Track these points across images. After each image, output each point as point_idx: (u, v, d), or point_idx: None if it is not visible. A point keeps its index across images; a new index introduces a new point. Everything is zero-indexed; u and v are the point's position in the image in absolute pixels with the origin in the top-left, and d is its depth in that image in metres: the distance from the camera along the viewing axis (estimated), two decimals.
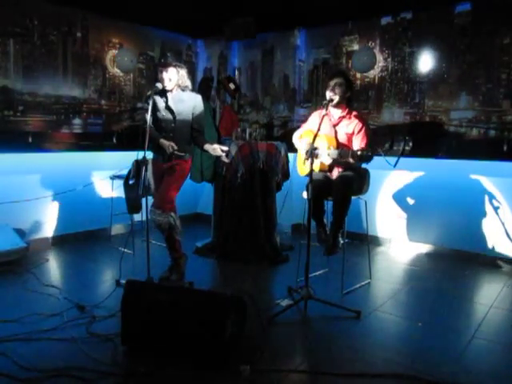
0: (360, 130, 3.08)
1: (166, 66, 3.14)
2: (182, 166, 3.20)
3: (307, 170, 2.81)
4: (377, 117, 4.55)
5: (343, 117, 3.13)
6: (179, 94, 3.18)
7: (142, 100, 4.91)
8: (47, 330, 2.42)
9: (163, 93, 3.17)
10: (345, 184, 3.00)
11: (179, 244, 3.29)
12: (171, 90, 3.16)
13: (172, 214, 3.16)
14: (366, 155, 2.71)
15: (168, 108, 3.18)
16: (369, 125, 3.35)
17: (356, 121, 3.10)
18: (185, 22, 4.97)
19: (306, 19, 4.76)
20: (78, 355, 2.17)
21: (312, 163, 2.75)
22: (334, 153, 2.96)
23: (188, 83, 3.22)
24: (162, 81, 3.11)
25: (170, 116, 3.18)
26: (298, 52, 5.04)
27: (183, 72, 3.18)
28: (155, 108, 3.19)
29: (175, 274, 3.29)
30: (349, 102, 3.17)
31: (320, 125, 2.80)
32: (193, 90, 3.34)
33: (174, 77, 3.13)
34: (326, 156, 3.00)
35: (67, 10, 4.30)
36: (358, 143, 3.07)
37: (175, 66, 3.15)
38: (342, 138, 3.13)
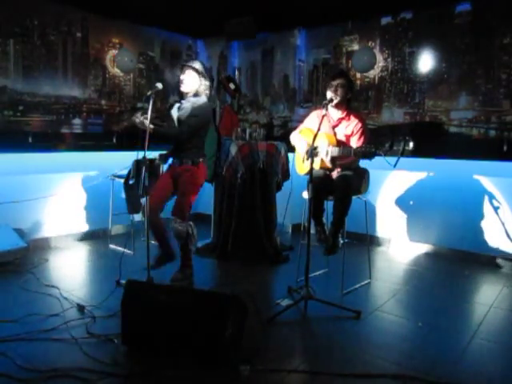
0: (358, 131, 3.09)
1: (185, 66, 3.13)
2: (192, 172, 3.17)
3: (307, 169, 2.81)
4: (377, 117, 4.55)
5: (342, 118, 3.13)
6: (189, 99, 3.16)
7: (142, 100, 4.92)
8: (47, 330, 2.41)
9: (182, 95, 3.19)
10: (345, 183, 3.00)
11: (191, 255, 3.33)
12: (188, 94, 3.16)
13: (191, 223, 3.21)
14: (370, 151, 2.71)
15: (174, 112, 3.19)
16: (367, 125, 3.35)
17: (355, 121, 3.10)
18: (185, 21, 4.97)
19: (305, 19, 4.76)
20: (78, 355, 2.17)
21: (312, 162, 2.75)
22: (335, 150, 2.96)
23: (203, 93, 3.17)
24: (179, 80, 3.12)
25: (175, 121, 3.19)
26: (298, 52, 5.04)
27: (206, 82, 3.17)
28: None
29: (181, 273, 3.30)
30: (348, 103, 3.18)
31: (320, 125, 2.80)
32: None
33: (190, 81, 3.12)
34: (326, 154, 3.00)
35: (67, 10, 4.30)
36: (355, 141, 3.07)
37: (197, 72, 3.13)
38: (341, 139, 3.13)
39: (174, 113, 3.20)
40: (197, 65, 3.16)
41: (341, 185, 3.01)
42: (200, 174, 3.24)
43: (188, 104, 3.13)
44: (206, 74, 3.23)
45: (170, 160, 3.31)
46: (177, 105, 3.21)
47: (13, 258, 3.59)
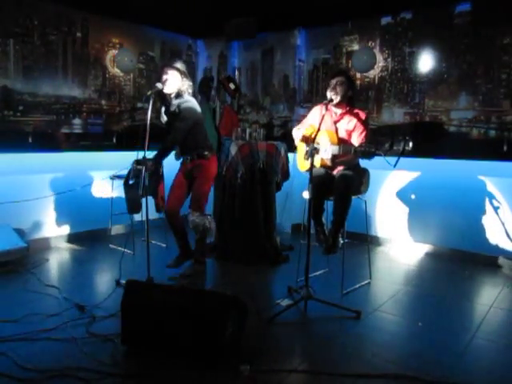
0: (360, 126, 3.07)
1: (168, 67, 3.10)
2: (205, 166, 3.22)
3: (308, 167, 2.81)
4: (377, 117, 4.55)
5: (345, 113, 3.12)
6: (174, 102, 3.16)
7: (142, 100, 4.92)
8: (47, 330, 2.42)
9: (165, 97, 3.17)
10: (345, 183, 2.99)
11: (205, 250, 3.36)
12: (170, 95, 3.14)
13: (208, 216, 3.25)
14: (369, 151, 2.71)
15: (166, 114, 3.19)
16: (369, 120, 3.33)
17: (357, 117, 3.09)
18: (185, 21, 4.97)
19: (306, 19, 4.76)
20: (78, 355, 2.17)
21: (312, 162, 2.75)
22: (335, 149, 2.95)
23: (186, 92, 3.17)
24: (161, 81, 3.09)
25: (169, 123, 3.19)
26: (298, 52, 5.04)
27: (188, 82, 3.16)
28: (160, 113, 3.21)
29: (192, 269, 3.33)
30: (351, 102, 3.16)
31: (320, 124, 2.80)
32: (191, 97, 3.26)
33: (173, 82, 3.09)
34: (326, 151, 2.99)
35: (67, 10, 4.30)
36: (356, 136, 3.06)
37: (180, 72, 3.11)
38: (343, 135, 3.11)
39: (163, 118, 3.22)
40: (179, 64, 3.15)
41: (341, 185, 3.00)
42: (211, 166, 3.29)
43: (174, 107, 3.14)
44: (188, 73, 3.23)
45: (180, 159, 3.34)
46: (163, 109, 3.21)
47: (13, 257, 3.59)
